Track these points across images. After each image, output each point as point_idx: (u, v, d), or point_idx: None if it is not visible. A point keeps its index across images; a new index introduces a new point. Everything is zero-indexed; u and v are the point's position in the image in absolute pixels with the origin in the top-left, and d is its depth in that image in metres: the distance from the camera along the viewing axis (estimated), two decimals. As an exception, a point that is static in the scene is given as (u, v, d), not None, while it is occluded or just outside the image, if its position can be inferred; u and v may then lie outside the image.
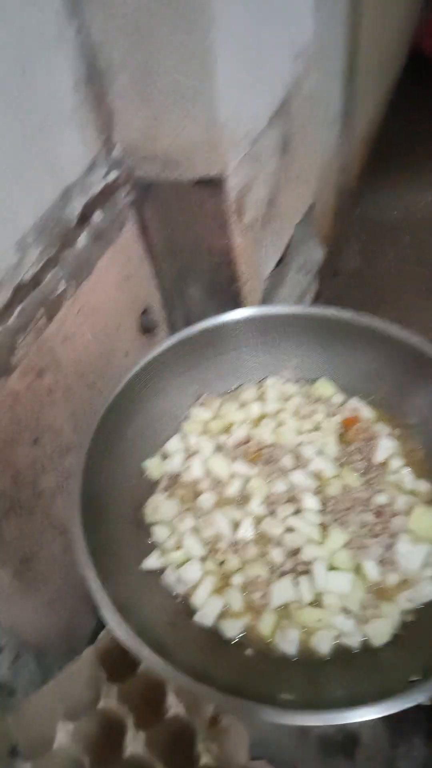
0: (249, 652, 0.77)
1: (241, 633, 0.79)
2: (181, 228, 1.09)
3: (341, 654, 0.75)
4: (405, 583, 0.80)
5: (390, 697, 0.61)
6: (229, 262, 1.13)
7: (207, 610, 0.80)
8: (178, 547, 0.86)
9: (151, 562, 0.85)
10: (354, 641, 0.76)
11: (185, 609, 0.81)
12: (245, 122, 0.99)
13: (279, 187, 1.24)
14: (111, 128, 0.95)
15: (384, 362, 0.95)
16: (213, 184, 0.99)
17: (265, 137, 1.10)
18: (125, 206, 1.05)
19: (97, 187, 0.96)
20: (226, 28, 0.82)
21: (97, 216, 0.98)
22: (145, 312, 1.21)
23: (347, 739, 0.99)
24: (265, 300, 1.33)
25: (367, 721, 0.61)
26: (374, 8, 1.70)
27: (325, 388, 1.01)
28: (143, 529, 0.89)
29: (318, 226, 1.66)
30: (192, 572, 0.83)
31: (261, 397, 1.02)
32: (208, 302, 1.24)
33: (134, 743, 0.88)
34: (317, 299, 1.69)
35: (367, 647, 0.76)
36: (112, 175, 1.00)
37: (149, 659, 0.65)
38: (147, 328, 1.22)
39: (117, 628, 0.68)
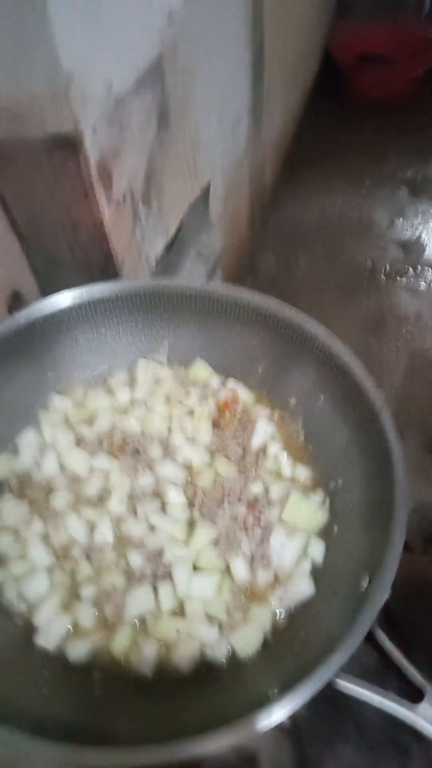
0: (97, 675, 0.65)
1: (89, 655, 0.66)
2: (41, 198, 0.97)
3: (203, 671, 0.64)
4: (277, 582, 0.70)
5: (240, 717, 0.51)
6: (99, 239, 1.01)
7: (51, 630, 0.67)
8: (22, 556, 0.73)
9: (-14, 576, 0.70)
10: (219, 653, 0.65)
11: (23, 632, 0.68)
12: (101, 77, 0.88)
13: (160, 163, 1.14)
14: None
15: (263, 340, 0.86)
16: (68, 144, 0.87)
17: (134, 101, 0.99)
18: (-27, 171, 0.91)
19: None
20: None
21: None
22: (14, 297, 1.07)
23: (244, 762, 0.89)
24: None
25: (266, 733, 0.51)
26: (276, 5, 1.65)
27: (200, 370, 0.91)
28: (-19, 538, 0.75)
29: (225, 221, 1.59)
30: (36, 585, 0.70)
31: (131, 383, 0.91)
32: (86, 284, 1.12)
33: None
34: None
35: (233, 660, 0.65)
36: None
37: None
38: (16, 316, 1.08)
39: None
